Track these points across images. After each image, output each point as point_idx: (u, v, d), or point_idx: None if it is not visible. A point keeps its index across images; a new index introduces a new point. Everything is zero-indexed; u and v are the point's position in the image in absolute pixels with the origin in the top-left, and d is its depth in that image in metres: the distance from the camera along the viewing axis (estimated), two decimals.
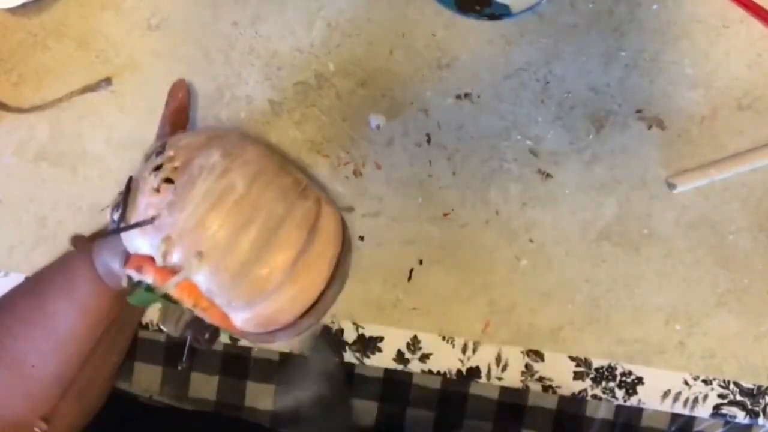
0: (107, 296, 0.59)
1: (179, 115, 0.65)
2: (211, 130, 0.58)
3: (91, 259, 0.59)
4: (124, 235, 0.51)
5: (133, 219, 0.50)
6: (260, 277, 0.49)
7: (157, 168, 0.50)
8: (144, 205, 0.50)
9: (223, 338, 0.71)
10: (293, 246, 0.50)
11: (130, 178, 0.52)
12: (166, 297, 0.50)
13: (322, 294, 0.51)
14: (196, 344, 0.55)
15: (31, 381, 0.60)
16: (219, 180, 0.49)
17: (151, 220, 0.49)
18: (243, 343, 0.71)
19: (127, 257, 0.51)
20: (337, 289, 0.52)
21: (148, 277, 0.49)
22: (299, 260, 0.50)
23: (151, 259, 0.49)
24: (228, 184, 0.49)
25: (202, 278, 0.48)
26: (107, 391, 0.66)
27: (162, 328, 0.52)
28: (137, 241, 0.50)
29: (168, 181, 0.50)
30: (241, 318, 0.50)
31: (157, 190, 0.49)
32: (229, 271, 0.48)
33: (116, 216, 0.51)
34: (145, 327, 0.71)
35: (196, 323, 0.53)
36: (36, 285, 0.63)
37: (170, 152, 0.51)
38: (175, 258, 0.48)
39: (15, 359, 0.60)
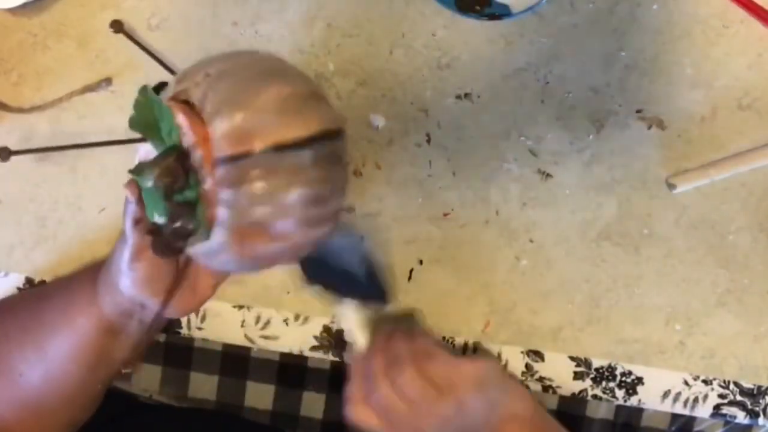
0: (99, 320, 0.58)
1: None
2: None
3: (95, 292, 0.58)
4: None
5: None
6: (255, 93, 0.49)
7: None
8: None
9: (223, 337, 0.71)
10: (294, 87, 0.50)
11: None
12: (158, 135, 0.51)
13: (294, 149, 0.50)
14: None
15: (17, 389, 0.60)
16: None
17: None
18: (240, 342, 0.71)
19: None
20: (325, 168, 0.52)
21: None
22: (294, 100, 0.50)
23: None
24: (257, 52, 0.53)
25: (199, 90, 0.50)
26: (88, 412, 0.65)
27: (143, 181, 0.50)
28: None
29: None
30: (222, 130, 0.48)
31: None
32: (228, 84, 0.49)
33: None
34: None
35: (174, 174, 0.50)
36: (41, 294, 0.64)
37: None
38: (184, 77, 0.51)
39: (5, 365, 0.60)
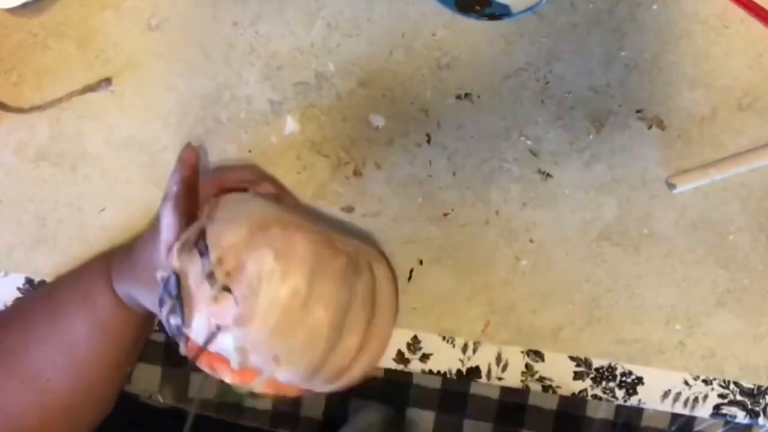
0: (130, 318, 0.61)
1: (191, 181, 0.61)
2: (243, 206, 0.56)
3: (110, 281, 0.61)
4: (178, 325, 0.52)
5: (193, 325, 0.51)
6: (337, 364, 0.52)
7: (210, 275, 0.51)
8: (205, 314, 0.51)
9: None
10: (362, 324, 0.52)
11: (177, 277, 0.52)
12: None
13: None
14: None
15: (47, 394, 0.61)
16: (280, 286, 0.50)
17: (217, 330, 0.51)
18: None
19: (195, 351, 0.52)
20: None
21: (225, 377, 0.51)
22: (369, 333, 0.52)
23: (224, 360, 0.51)
24: (290, 289, 0.50)
25: (282, 376, 0.51)
26: (107, 407, 0.67)
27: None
28: (199, 332, 0.52)
29: (225, 289, 0.50)
30: (321, 389, 0.53)
31: (216, 300, 0.50)
32: (307, 367, 0.51)
33: (174, 321, 0.52)
34: None
35: None
36: (51, 300, 0.64)
37: (216, 253, 0.51)
38: (252, 362, 0.50)
39: (29, 373, 0.61)
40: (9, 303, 0.72)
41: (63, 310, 0.63)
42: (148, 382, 0.74)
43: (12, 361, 0.61)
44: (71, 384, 0.61)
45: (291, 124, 0.67)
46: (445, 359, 0.70)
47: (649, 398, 0.69)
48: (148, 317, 0.64)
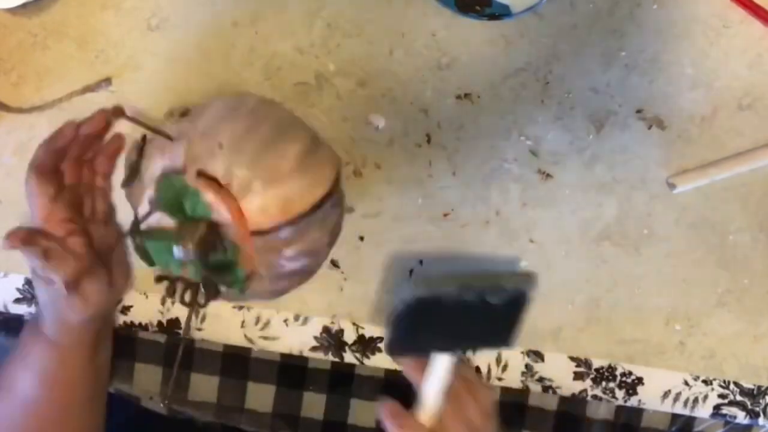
0: (58, 350, 0.62)
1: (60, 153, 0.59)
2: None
3: (40, 328, 0.62)
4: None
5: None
6: (275, 161, 0.52)
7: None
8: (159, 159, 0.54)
9: (222, 338, 0.71)
10: (302, 142, 0.54)
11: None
12: (182, 212, 0.53)
13: (320, 206, 0.54)
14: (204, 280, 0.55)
15: None
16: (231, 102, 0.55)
17: (169, 136, 0.54)
18: (240, 342, 0.71)
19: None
20: (338, 210, 0.57)
21: (177, 163, 0.52)
22: (307, 156, 0.53)
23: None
24: (240, 101, 0.55)
25: (220, 165, 0.51)
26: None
27: (176, 252, 0.52)
28: (157, 164, 0.54)
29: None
30: (257, 206, 0.52)
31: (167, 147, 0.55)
32: (247, 155, 0.52)
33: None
34: (145, 328, 0.71)
35: (208, 244, 0.53)
36: None
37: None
38: (195, 151, 0.52)
39: None
40: (9, 304, 0.72)
41: (10, 376, 0.65)
42: (148, 382, 0.74)
43: None
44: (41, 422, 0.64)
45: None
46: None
47: (649, 398, 0.69)
48: (92, 352, 0.65)
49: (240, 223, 0.52)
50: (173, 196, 0.53)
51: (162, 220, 0.53)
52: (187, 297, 0.54)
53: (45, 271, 0.55)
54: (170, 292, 0.54)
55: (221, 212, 0.51)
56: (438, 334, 0.60)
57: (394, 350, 0.62)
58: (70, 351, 0.63)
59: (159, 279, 0.55)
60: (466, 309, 0.59)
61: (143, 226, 0.54)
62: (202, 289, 0.54)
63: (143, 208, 0.54)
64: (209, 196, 0.51)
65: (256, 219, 0.52)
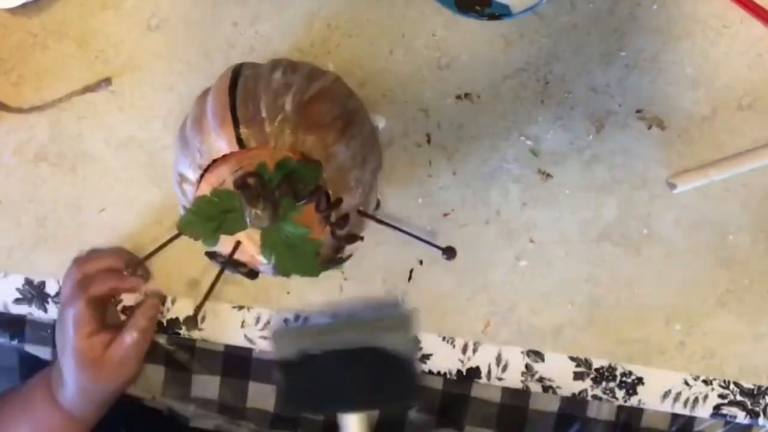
0: (65, 417, 0.67)
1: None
2: None
3: (50, 392, 0.67)
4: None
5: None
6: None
7: None
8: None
9: (223, 338, 0.71)
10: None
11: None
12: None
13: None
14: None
15: None
16: None
17: None
18: (240, 342, 0.71)
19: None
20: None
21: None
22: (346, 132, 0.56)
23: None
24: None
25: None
26: None
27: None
28: None
29: None
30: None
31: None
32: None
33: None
34: None
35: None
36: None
37: None
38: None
39: None
40: (9, 304, 0.72)
41: (8, 423, 0.67)
42: (150, 382, 0.74)
43: None
44: None
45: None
46: (445, 359, 0.70)
47: (649, 398, 0.69)
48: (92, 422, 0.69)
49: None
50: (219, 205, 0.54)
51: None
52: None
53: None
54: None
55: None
56: (327, 391, 0.59)
57: (286, 410, 0.61)
58: (78, 422, 0.68)
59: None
60: (348, 364, 0.58)
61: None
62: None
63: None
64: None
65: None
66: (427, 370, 0.70)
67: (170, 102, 0.68)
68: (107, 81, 0.68)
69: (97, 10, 0.68)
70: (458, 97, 0.67)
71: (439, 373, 0.70)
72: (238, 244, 0.53)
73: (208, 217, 0.51)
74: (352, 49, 0.67)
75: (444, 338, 0.70)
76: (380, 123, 0.67)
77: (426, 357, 0.70)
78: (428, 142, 0.67)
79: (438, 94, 0.67)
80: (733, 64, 0.65)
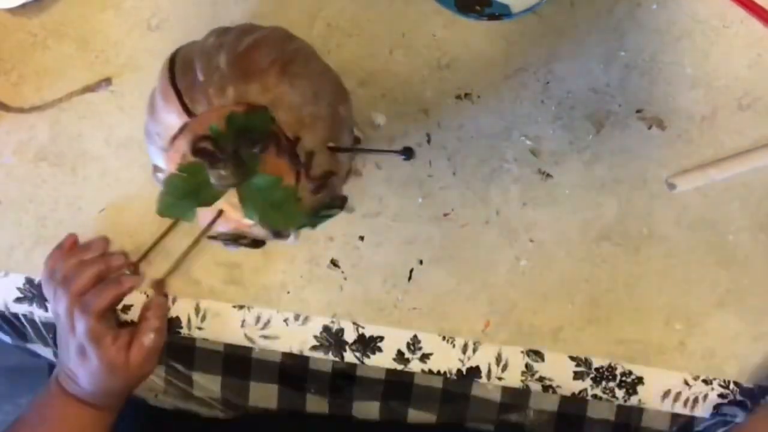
0: (93, 413, 0.68)
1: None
2: None
3: (60, 386, 0.68)
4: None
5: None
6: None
7: None
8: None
9: (223, 337, 0.71)
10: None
11: None
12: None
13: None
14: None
15: None
16: None
17: None
18: (240, 342, 0.71)
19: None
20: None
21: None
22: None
23: None
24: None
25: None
26: None
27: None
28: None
29: None
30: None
31: None
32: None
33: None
34: None
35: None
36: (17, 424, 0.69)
37: None
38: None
39: None
40: (10, 303, 0.72)
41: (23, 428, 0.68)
42: (152, 382, 0.74)
43: None
44: None
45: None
46: (445, 359, 0.70)
47: (649, 398, 0.69)
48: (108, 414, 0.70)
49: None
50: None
51: None
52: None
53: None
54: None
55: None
56: None
57: None
58: (108, 411, 0.69)
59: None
60: None
61: None
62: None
63: None
64: None
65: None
66: (427, 370, 0.70)
67: None
68: (107, 81, 0.68)
69: (97, 10, 0.68)
70: (458, 97, 0.67)
71: (439, 372, 0.70)
72: (219, 213, 0.53)
73: (183, 194, 0.51)
74: (352, 49, 0.67)
75: (444, 338, 0.70)
76: (380, 120, 0.67)
77: (426, 357, 0.70)
78: (428, 142, 0.67)
79: (438, 94, 0.67)
80: (733, 64, 0.65)
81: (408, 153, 0.62)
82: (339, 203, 0.59)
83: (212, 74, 0.53)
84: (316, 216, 0.57)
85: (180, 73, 0.54)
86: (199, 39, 0.57)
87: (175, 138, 0.53)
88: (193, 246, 0.59)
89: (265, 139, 0.51)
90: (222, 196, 0.51)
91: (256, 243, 0.57)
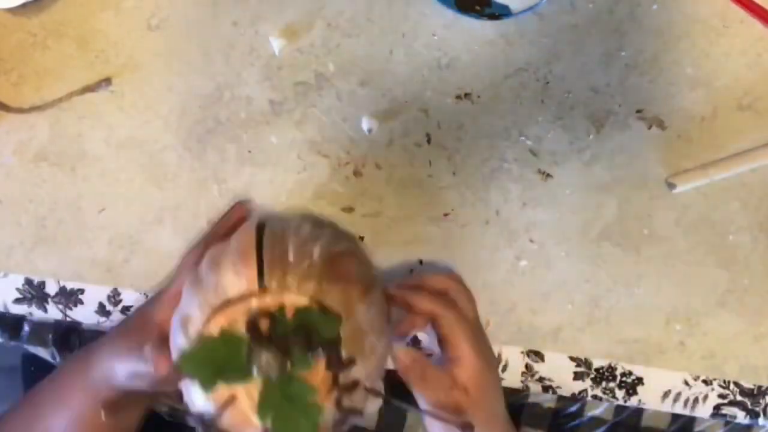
0: (101, 403, 0.61)
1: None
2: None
3: (85, 370, 0.62)
4: None
5: None
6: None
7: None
8: None
9: None
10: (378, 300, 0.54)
11: None
12: None
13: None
14: None
15: None
16: None
17: None
18: None
19: None
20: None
21: None
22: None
23: None
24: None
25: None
26: None
27: None
28: None
29: None
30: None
31: None
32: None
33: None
34: None
35: None
36: (32, 398, 0.65)
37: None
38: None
39: None
40: (9, 304, 0.72)
41: (41, 406, 0.64)
42: None
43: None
44: None
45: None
46: None
47: (649, 398, 0.69)
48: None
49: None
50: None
51: None
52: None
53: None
54: None
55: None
56: None
57: None
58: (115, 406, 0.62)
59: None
60: None
61: None
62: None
63: None
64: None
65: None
66: None
67: (170, 102, 0.68)
68: (107, 81, 0.68)
69: (97, 10, 0.68)
70: (458, 97, 0.67)
71: None
72: (232, 398, 0.48)
73: (210, 361, 0.47)
74: (352, 49, 0.67)
75: None
76: (373, 126, 0.66)
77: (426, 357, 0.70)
78: (428, 142, 0.67)
79: (438, 94, 0.67)
80: (733, 64, 0.65)
81: (468, 429, 0.53)
82: None
83: (303, 260, 0.50)
84: None
85: (268, 242, 0.51)
86: (285, 215, 0.54)
87: (233, 301, 0.49)
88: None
89: (325, 349, 0.48)
90: (245, 381, 0.47)
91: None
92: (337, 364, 0.49)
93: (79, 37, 0.68)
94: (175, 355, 0.51)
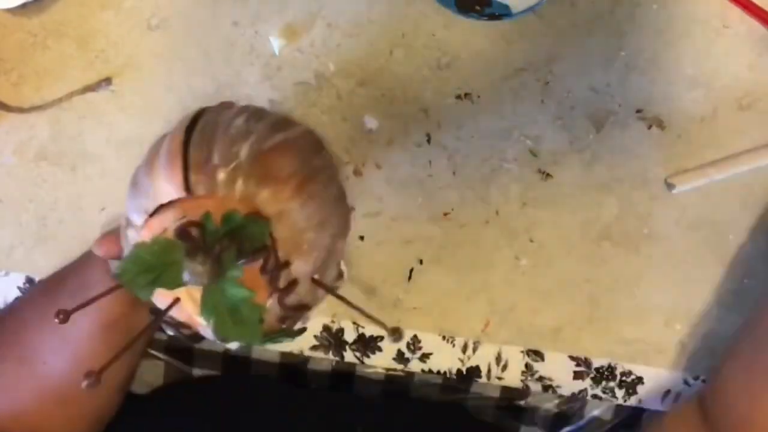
0: (122, 298, 0.59)
1: None
2: None
3: (107, 269, 0.60)
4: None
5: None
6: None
7: None
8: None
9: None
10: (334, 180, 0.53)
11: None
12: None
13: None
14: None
15: (42, 378, 0.61)
16: None
17: None
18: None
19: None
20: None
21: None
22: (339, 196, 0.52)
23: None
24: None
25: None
26: (114, 404, 0.66)
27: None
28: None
29: None
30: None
31: None
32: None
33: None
34: None
35: None
36: (49, 286, 0.64)
37: None
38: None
39: (27, 353, 0.61)
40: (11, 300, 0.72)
41: (60, 293, 0.63)
42: (151, 378, 0.75)
43: (10, 340, 0.62)
44: (67, 368, 0.61)
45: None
46: (445, 359, 0.70)
47: (649, 398, 0.70)
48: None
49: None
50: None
51: None
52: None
53: None
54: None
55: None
56: None
57: None
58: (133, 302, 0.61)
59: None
60: None
61: None
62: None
63: None
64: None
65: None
66: (427, 370, 0.71)
67: (170, 102, 0.68)
68: (107, 81, 0.68)
69: (97, 10, 0.68)
70: (458, 97, 0.67)
71: (438, 372, 0.70)
72: (176, 300, 0.49)
73: (145, 268, 0.46)
74: (352, 49, 0.67)
75: (444, 337, 0.70)
76: (372, 125, 0.66)
77: (426, 356, 0.70)
78: (428, 142, 0.67)
79: (438, 94, 0.67)
80: (733, 64, 0.65)
81: (396, 334, 0.52)
82: (297, 333, 0.54)
83: (228, 162, 0.48)
84: (269, 338, 0.52)
85: (196, 144, 0.49)
86: (229, 107, 0.52)
87: (162, 208, 0.48)
88: (142, 334, 0.53)
89: (256, 254, 0.47)
90: (182, 285, 0.46)
91: (196, 338, 0.52)
92: (273, 268, 0.48)
93: (79, 37, 0.68)
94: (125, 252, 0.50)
